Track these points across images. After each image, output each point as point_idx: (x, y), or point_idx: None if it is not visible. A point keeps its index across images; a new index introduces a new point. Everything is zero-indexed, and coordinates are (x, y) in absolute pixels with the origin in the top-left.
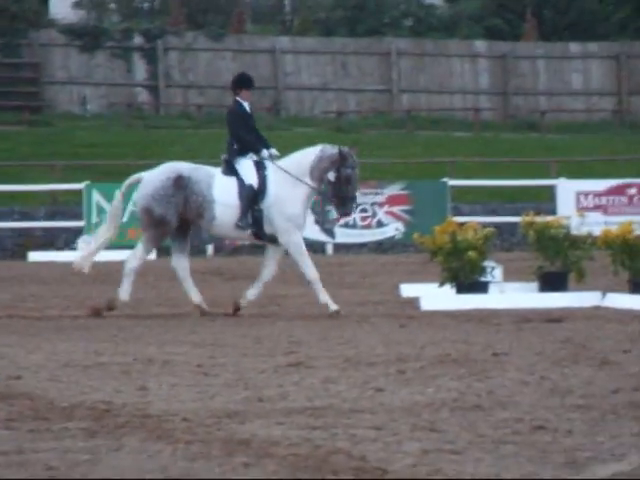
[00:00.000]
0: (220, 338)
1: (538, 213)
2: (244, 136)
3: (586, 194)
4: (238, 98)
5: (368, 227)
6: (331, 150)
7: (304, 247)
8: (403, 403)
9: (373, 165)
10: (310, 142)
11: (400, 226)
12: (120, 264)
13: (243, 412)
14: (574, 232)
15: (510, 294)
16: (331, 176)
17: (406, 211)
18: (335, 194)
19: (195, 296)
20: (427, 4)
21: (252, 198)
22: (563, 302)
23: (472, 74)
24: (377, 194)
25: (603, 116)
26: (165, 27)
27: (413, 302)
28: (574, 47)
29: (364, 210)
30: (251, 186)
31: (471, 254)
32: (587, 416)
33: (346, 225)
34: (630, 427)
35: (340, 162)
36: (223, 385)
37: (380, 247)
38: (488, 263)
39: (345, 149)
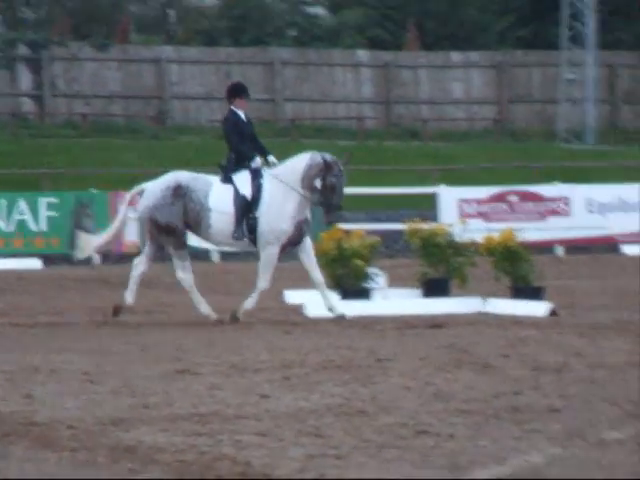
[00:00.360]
0: (106, 346)
1: (424, 220)
2: (238, 145)
3: (468, 201)
4: (233, 107)
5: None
6: (319, 158)
7: (275, 262)
8: (288, 409)
9: None
10: (196, 151)
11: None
12: (5, 273)
13: (129, 419)
14: (457, 239)
15: (394, 300)
16: (317, 184)
17: None
18: (321, 202)
19: (130, 297)
20: (310, 14)
21: (246, 207)
22: (446, 308)
23: (355, 83)
24: None
25: (484, 124)
26: (50, 37)
27: (298, 309)
28: (455, 56)
29: None
30: (244, 196)
31: (357, 262)
32: (469, 420)
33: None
34: (511, 431)
35: (326, 170)
36: (109, 392)
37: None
38: (372, 270)
39: (329, 157)
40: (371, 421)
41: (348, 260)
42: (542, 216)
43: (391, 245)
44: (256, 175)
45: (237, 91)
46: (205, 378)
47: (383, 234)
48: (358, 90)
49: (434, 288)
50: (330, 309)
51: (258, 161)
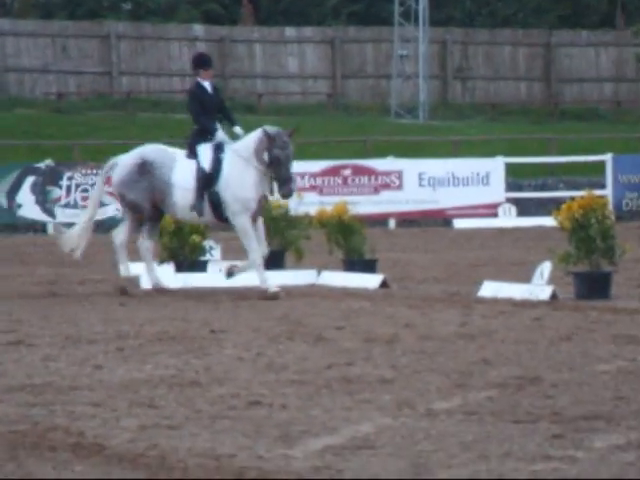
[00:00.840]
0: None
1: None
2: (199, 118)
3: (302, 175)
4: (198, 79)
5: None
6: (269, 132)
7: (250, 229)
8: (121, 380)
9: (93, 146)
10: (31, 123)
11: (120, 206)
12: None
13: None
14: (291, 213)
15: None
16: (266, 157)
17: None
18: (272, 175)
19: (124, 270)
20: None
21: (205, 182)
22: (281, 280)
23: (191, 57)
24: (97, 174)
25: (318, 99)
26: None
27: (134, 280)
28: (290, 32)
29: (84, 190)
30: (204, 170)
31: (194, 237)
32: (301, 391)
33: (67, 205)
34: (342, 401)
35: (268, 143)
36: None
37: (101, 226)
38: (208, 242)
39: (272, 130)
40: (204, 392)
41: (186, 235)
42: (375, 190)
43: None
44: (217, 149)
45: (202, 62)
46: (40, 349)
47: None
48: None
49: (269, 260)
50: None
51: (220, 135)
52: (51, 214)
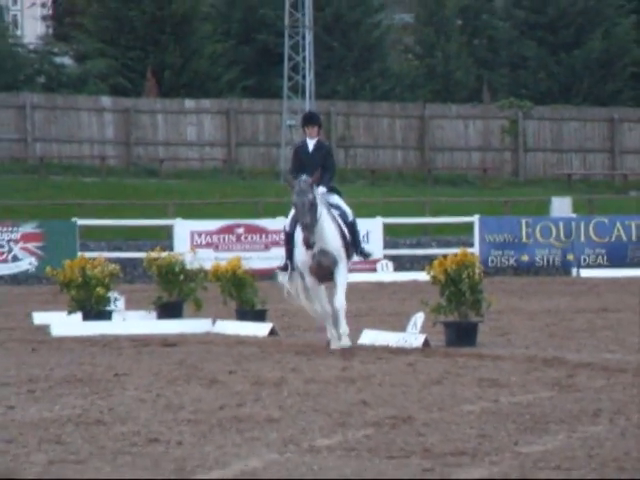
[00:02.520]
0: None
1: (163, 249)
2: (288, 172)
3: (199, 233)
4: (306, 136)
5: (4, 261)
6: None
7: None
8: (32, 419)
9: (9, 206)
10: None
11: (34, 260)
12: None
13: None
14: (188, 266)
15: (131, 321)
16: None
17: (39, 247)
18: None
19: None
20: (58, 63)
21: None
22: (178, 328)
23: (99, 126)
24: (12, 232)
25: (215, 164)
26: None
27: (44, 329)
28: (189, 103)
29: (1, 246)
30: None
31: (99, 289)
32: (196, 429)
33: None
34: (233, 439)
35: (291, 190)
36: None
37: (15, 279)
38: (113, 294)
39: (297, 179)
40: (108, 430)
41: (92, 288)
42: (266, 247)
43: (131, 271)
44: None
45: (304, 120)
46: None
47: (124, 261)
48: (102, 132)
49: (168, 310)
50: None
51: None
52: None
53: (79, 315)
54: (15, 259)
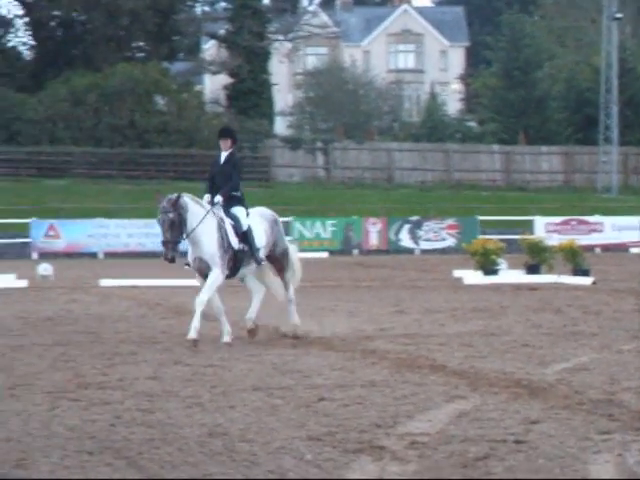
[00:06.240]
0: None
1: (529, 234)
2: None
3: (549, 223)
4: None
5: (436, 240)
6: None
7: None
8: (456, 331)
9: (443, 209)
10: None
11: (454, 240)
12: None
13: None
14: (544, 243)
15: (510, 275)
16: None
17: (456, 232)
18: None
19: None
20: (467, 126)
21: None
22: (538, 280)
23: (491, 162)
24: (441, 224)
25: (557, 184)
26: (332, 137)
27: (459, 280)
28: (543, 149)
29: (435, 232)
30: None
31: (492, 257)
32: (550, 339)
33: None
34: (571, 345)
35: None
36: None
37: (442, 251)
38: (500, 260)
39: (159, 197)
40: (497, 339)
41: (488, 255)
42: (588, 232)
43: (509, 247)
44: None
45: (219, 134)
46: None
47: (506, 241)
48: (492, 165)
49: (532, 269)
50: None
51: (205, 199)
52: None
53: (480, 272)
54: (442, 239)
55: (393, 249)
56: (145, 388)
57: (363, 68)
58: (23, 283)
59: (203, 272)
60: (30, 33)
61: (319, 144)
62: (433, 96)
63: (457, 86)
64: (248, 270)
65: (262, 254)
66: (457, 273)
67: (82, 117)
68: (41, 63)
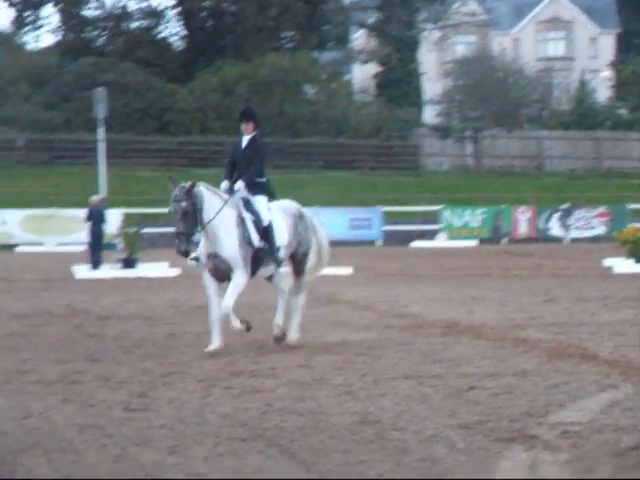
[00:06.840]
0: None
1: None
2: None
3: None
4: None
5: (586, 229)
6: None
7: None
8: (608, 320)
9: (590, 197)
10: None
11: (604, 228)
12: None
13: None
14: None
15: None
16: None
17: (608, 221)
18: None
19: None
20: (617, 113)
21: None
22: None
23: None
24: (592, 212)
25: None
26: (482, 126)
27: (609, 269)
28: None
29: (586, 220)
30: None
31: None
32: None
33: None
34: None
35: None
36: None
37: (592, 240)
38: None
39: (171, 185)
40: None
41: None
42: None
43: None
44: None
45: (240, 116)
46: None
47: None
48: None
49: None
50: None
51: (223, 186)
52: None
53: (631, 261)
54: (592, 228)
55: (542, 237)
56: (296, 376)
57: (512, 56)
58: (175, 272)
59: (217, 271)
60: (181, 24)
61: (468, 132)
62: (583, 84)
63: (607, 73)
64: (267, 271)
65: (282, 254)
66: (607, 262)
67: (232, 107)
68: (192, 53)
